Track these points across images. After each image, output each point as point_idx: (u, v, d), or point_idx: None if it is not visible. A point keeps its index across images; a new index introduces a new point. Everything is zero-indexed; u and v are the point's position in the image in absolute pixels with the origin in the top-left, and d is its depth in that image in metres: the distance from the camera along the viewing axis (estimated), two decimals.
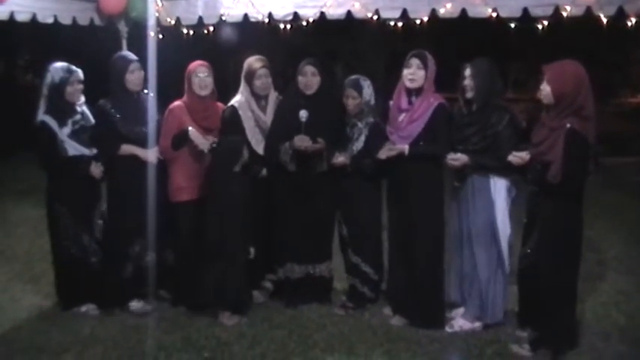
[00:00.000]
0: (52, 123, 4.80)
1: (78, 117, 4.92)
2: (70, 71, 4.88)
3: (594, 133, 4.13)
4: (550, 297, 4.25)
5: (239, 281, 4.92)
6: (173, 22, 5.91)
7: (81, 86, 4.95)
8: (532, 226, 4.34)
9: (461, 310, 4.84)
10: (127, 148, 4.92)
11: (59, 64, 4.90)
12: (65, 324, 4.85)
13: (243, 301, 5.00)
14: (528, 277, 4.39)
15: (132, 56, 5.08)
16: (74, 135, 4.86)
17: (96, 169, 4.88)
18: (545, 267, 4.24)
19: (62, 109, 4.86)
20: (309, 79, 4.97)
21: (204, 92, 5.01)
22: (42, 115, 4.83)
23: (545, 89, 4.16)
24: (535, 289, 4.34)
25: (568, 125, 4.04)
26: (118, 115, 4.92)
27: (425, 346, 4.53)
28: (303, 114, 4.86)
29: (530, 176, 4.28)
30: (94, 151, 4.94)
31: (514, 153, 4.30)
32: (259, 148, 5.06)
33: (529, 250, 4.35)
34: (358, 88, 4.94)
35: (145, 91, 5.12)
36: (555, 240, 4.19)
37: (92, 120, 4.99)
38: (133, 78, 4.95)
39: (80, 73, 4.93)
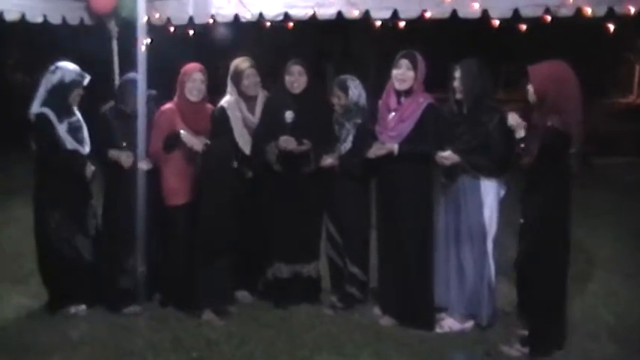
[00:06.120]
0: (52, 116, 4.80)
1: (74, 119, 4.94)
2: (82, 76, 4.93)
3: (581, 133, 4.15)
4: (539, 296, 4.28)
5: (228, 282, 4.98)
6: (163, 21, 5.89)
7: (82, 92, 4.97)
8: (525, 225, 4.37)
9: (449, 311, 4.84)
10: (113, 154, 4.92)
11: (71, 66, 4.92)
12: (54, 324, 4.83)
13: (229, 301, 5.06)
14: (523, 276, 4.42)
15: (131, 87, 4.97)
16: (70, 132, 4.87)
17: (88, 170, 4.89)
18: (533, 265, 4.27)
19: (62, 108, 4.86)
20: (296, 78, 4.98)
21: (196, 98, 4.99)
22: (41, 108, 4.82)
23: (529, 89, 4.25)
24: (528, 288, 4.37)
25: (549, 123, 4.09)
26: (116, 127, 4.96)
27: (414, 346, 4.53)
28: (289, 115, 4.86)
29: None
30: (87, 150, 4.95)
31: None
32: (247, 148, 5.06)
33: (522, 250, 4.37)
34: (344, 89, 4.96)
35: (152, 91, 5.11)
36: (543, 239, 4.23)
37: (83, 123, 4.99)
38: (124, 107, 4.97)
39: (88, 79, 4.95)
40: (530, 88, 4.24)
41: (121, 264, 5.04)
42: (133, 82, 4.97)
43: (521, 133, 4.26)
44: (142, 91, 4.94)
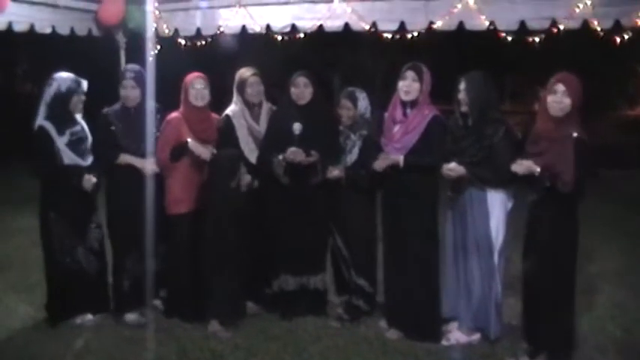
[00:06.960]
0: (51, 129, 4.79)
1: (77, 128, 4.92)
2: (77, 82, 4.91)
3: None
4: (549, 308, 4.26)
5: (236, 293, 4.95)
6: (171, 33, 5.92)
7: (83, 98, 4.96)
8: (533, 238, 4.34)
9: (456, 323, 4.82)
10: (124, 158, 4.94)
11: (66, 75, 4.91)
12: (59, 335, 4.83)
13: (237, 313, 5.02)
14: (531, 289, 4.40)
15: (130, 72, 5.04)
16: (71, 145, 4.85)
17: (87, 182, 4.84)
18: (544, 278, 4.25)
19: (63, 118, 4.85)
20: (302, 89, 4.98)
21: (200, 103, 5.01)
22: (41, 121, 4.82)
23: (564, 101, 4.12)
24: (536, 301, 4.35)
25: (575, 134, 4.06)
26: (118, 127, 4.96)
27: (421, 358, 4.51)
28: (297, 127, 4.87)
29: (538, 186, 4.21)
30: (89, 162, 4.94)
31: (519, 161, 4.23)
32: (252, 157, 5.07)
33: (530, 263, 4.35)
34: (353, 100, 4.97)
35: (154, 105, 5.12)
36: (555, 252, 4.20)
37: (88, 132, 5.00)
38: (125, 93, 4.99)
39: (85, 84, 4.95)
40: (565, 99, 4.11)
41: (124, 264, 5.05)
42: (133, 69, 5.02)
43: (537, 170, 4.16)
44: (149, 98, 4.96)
